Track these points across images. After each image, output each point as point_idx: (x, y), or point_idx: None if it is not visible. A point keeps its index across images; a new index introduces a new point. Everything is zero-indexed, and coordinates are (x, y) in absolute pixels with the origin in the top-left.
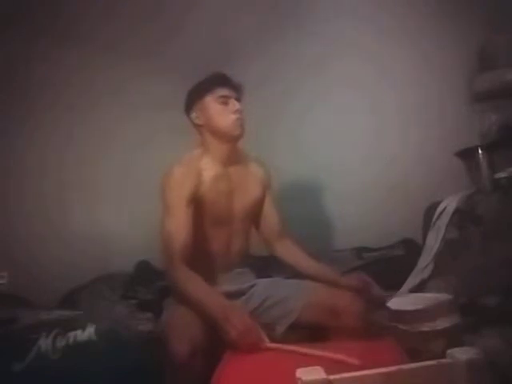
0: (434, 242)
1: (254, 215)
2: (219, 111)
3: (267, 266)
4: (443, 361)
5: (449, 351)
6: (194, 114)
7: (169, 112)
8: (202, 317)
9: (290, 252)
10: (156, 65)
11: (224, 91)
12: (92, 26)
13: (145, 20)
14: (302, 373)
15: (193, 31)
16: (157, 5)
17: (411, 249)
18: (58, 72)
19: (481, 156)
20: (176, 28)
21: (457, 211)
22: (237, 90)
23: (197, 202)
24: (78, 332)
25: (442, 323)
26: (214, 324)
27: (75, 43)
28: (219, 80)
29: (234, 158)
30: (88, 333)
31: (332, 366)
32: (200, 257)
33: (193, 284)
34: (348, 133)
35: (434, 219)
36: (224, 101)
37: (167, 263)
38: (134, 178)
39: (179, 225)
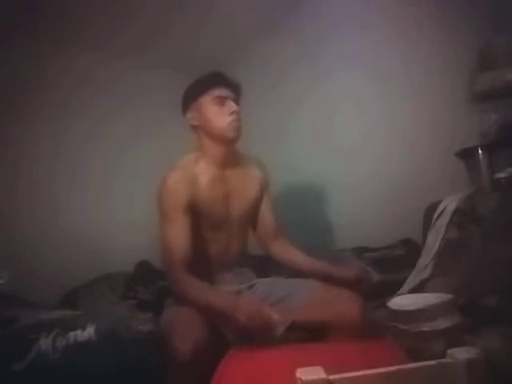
0: (433, 242)
1: (252, 217)
2: (215, 112)
3: (267, 265)
4: (443, 361)
5: (449, 351)
6: (189, 115)
7: (169, 112)
8: (206, 317)
9: (285, 251)
10: (154, 63)
11: (220, 91)
12: (86, 25)
13: (145, 18)
14: (302, 373)
15: (199, 31)
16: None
17: (411, 249)
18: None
19: (481, 156)
20: (178, 26)
21: (457, 211)
22: (234, 90)
23: (194, 208)
24: (78, 332)
25: (442, 323)
26: (223, 319)
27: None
28: (216, 79)
29: (230, 160)
30: (88, 333)
31: (332, 366)
32: (199, 259)
33: (198, 291)
34: (348, 133)
35: (433, 219)
36: (220, 101)
37: (168, 270)
38: (134, 177)
39: (178, 233)
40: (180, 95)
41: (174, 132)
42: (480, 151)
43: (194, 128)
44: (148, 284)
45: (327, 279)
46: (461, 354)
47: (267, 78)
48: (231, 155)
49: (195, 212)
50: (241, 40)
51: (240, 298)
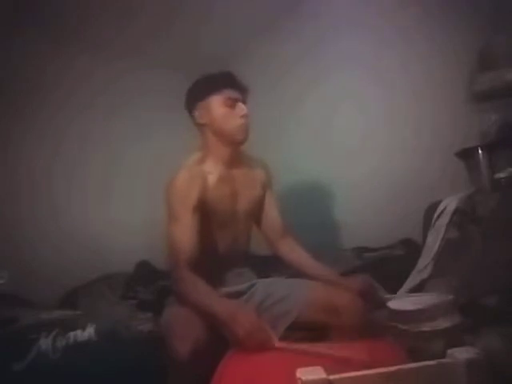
0: (433, 242)
1: (256, 215)
2: (225, 114)
3: (267, 265)
4: (443, 361)
5: (449, 351)
6: (196, 113)
7: (169, 110)
8: (206, 319)
9: (293, 251)
10: (154, 63)
11: (232, 93)
12: (86, 25)
13: (145, 18)
14: (302, 373)
15: (199, 31)
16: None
17: (411, 249)
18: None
19: (481, 156)
20: (179, 25)
21: (457, 211)
22: (243, 92)
23: (202, 206)
24: (78, 332)
25: (442, 323)
26: (222, 326)
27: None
28: (227, 80)
29: (236, 159)
30: (88, 333)
31: (333, 366)
32: (204, 258)
33: (199, 292)
34: (348, 133)
35: (433, 219)
36: (231, 104)
37: (173, 269)
38: (134, 177)
39: (186, 233)
40: (180, 95)
41: (174, 132)
42: (480, 151)
43: (200, 126)
44: (148, 284)
45: (332, 285)
46: (461, 353)
47: (267, 77)
48: (237, 155)
49: (203, 211)
50: (241, 40)
51: (239, 310)
